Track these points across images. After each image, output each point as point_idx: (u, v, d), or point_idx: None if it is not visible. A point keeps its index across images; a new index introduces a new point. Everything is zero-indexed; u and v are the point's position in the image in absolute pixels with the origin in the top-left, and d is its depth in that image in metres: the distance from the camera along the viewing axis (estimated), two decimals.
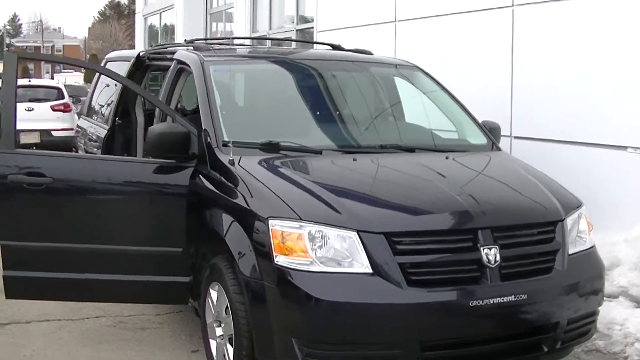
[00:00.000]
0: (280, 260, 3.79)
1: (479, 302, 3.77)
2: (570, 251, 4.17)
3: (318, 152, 4.61)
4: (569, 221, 4.24)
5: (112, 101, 6.56)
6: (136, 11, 24.06)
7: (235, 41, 8.66)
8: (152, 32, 21.49)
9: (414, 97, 5.54)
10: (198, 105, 4.84)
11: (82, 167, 4.88)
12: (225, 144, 4.55)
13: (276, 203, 3.95)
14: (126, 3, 76.61)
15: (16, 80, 4.81)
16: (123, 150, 6.40)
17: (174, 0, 17.51)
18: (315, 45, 7.02)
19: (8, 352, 4.97)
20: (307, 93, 5.29)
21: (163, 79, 6.96)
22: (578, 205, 4.40)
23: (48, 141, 13.97)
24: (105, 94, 7.07)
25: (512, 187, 4.42)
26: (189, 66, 5.22)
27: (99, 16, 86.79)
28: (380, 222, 3.84)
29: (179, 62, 5.49)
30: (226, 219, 4.23)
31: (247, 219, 4.02)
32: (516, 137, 7.02)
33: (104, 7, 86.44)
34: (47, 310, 5.69)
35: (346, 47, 6.12)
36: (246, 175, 4.25)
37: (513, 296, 3.84)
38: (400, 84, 5.60)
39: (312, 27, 11.02)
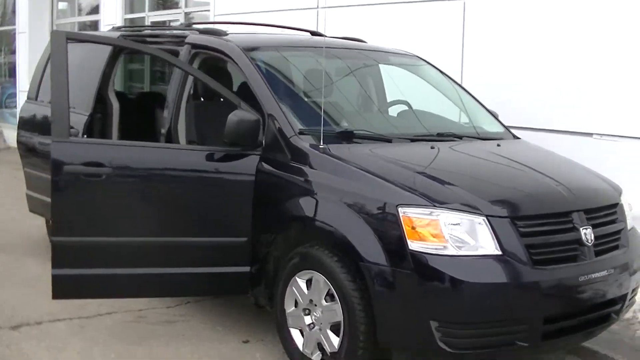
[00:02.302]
0: (414, 245, 3.87)
1: (585, 277, 4.09)
2: None
3: (389, 140, 4.71)
4: (623, 202, 4.67)
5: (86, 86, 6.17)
6: None
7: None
8: None
9: (427, 88, 5.74)
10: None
11: (142, 155, 4.62)
12: (302, 132, 4.53)
13: (402, 190, 4.01)
14: None
15: (67, 63, 4.47)
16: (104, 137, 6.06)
17: None
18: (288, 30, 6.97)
19: (51, 357, 4.62)
20: (352, 82, 5.34)
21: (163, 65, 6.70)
22: (621, 189, 4.84)
23: None
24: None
25: (580, 172, 4.76)
26: (224, 53, 5.08)
27: None
28: (506, 206, 4.03)
29: (196, 46, 5.32)
30: (328, 207, 4.22)
31: (367, 207, 4.05)
32: None
33: None
34: (49, 310, 5.32)
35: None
36: (349, 163, 4.27)
37: (605, 271, 4.20)
38: (421, 74, 5.79)
39: (208, 10, 10.80)
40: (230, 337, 4.97)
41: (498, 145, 5.00)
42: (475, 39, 7.47)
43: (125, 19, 12.65)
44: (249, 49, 5.05)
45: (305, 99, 5.05)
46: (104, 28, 12.32)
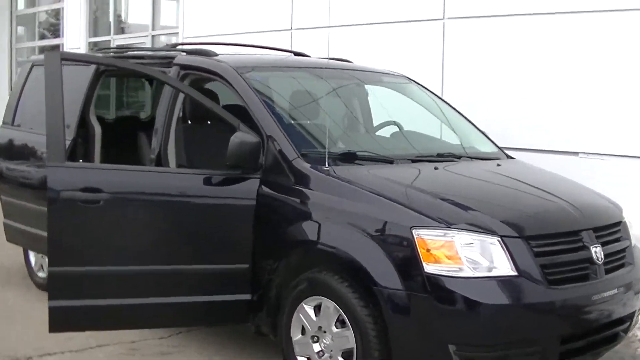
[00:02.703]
0: (430, 268, 3.79)
1: (598, 296, 4.06)
2: None
3: (390, 161, 4.64)
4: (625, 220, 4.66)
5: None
6: None
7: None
8: None
9: (416, 108, 5.69)
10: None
11: (141, 180, 4.48)
12: (304, 154, 4.44)
13: (415, 212, 3.94)
14: None
15: (61, 84, 4.32)
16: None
17: None
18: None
19: None
20: (346, 103, 5.26)
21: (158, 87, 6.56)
22: (621, 207, 4.83)
23: None
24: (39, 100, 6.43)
25: (583, 191, 4.74)
26: (217, 74, 4.97)
27: None
28: (519, 226, 3.98)
29: (186, 67, 5.20)
30: (337, 231, 4.12)
31: (379, 230, 3.96)
32: None
33: None
34: (36, 345, 5.11)
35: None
36: (357, 185, 4.18)
37: (615, 289, 4.18)
38: (409, 94, 5.74)
39: (176, 34, 10.69)
40: None
41: (498, 165, 4.97)
42: (455, 59, 7.48)
43: (90, 43, 12.46)
44: (243, 70, 4.95)
45: (303, 121, 4.96)
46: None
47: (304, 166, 4.37)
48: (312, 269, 4.25)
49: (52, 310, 4.27)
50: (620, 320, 4.30)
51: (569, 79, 6.61)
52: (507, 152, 5.62)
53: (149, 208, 4.44)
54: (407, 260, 3.85)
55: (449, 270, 3.79)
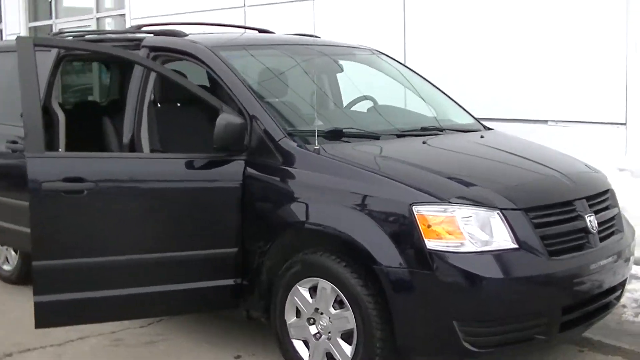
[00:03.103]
0: (432, 244, 3.74)
1: (594, 265, 4.07)
2: None
3: (377, 137, 4.57)
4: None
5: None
6: None
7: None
8: None
9: (389, 82, 5.63)
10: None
11: (125, 167, 4.33)
12: (290, 134, 4.34)
13: (413, 189, 3.87)
14: None
15: (36, 71, 4.13)
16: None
17: None
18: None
19: None
20: (322, 79, 5.17)
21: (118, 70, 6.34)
22: (605, 175, 4.85)
23: None
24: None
25: (570, 160, 4.73)
26: (191, 55, 4.82)
27: None
28: (517, 198, 3.94)
29: (156, 49, 5.03)
30: (332, 210, 4.03)
31: (377, 208, 3.89)
32: None
33: None
34: (13, 340, 4.94)
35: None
36: (349, 163, 4.10)
37: (610, 257, 4.19)
38: (380, 68, 5.66)
39: (123, 15, 10.39)
40: (220, 354, 4.71)
41: (482, 137, 4.94)
42: (418, 30, 7.44)
43: (30, 28, 12.04)
44: (218, 49, 4.80)
45: (284, 100, 4.84)
46: (8, 37, 11.69)
47: (292, 145, 4.28)
48: (305, 250, 4.16)
49: (38, 306, 4.10)
50: (613, 289, 4.33)
51: (537, 48, 6.65)
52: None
53: (134, 196, 4.30)
54: (408, 237, 3.79)
55: (451, 246, 3.74)
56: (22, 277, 6.17)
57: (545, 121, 6.62)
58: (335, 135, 4.47)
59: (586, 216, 4.12)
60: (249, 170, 4.35)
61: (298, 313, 4.22)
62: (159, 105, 5.08)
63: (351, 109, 5.56)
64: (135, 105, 4.95)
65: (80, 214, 4.15)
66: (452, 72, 7.08)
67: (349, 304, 3.96)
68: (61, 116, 5.72)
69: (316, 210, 4.11)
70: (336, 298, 4.03)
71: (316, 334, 4.15)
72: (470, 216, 3.81)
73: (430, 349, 3.90)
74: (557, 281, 3.90)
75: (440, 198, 3.83)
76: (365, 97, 5.62)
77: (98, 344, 4.90)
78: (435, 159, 4.38)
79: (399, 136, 4.70)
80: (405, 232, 3.80)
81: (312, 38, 5.78)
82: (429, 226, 3.77)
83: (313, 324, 4.17)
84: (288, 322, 4.25)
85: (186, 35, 5.10)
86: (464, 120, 5.41)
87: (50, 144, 5.67)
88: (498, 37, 6.88)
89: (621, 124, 6.31)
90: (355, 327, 3.95)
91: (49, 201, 4.07)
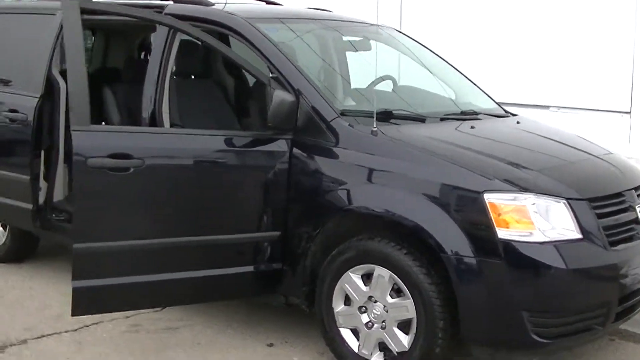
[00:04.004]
0: (502, 233, 3.63)
1: None
2: None
3: (422, 120, 4.43)
4: None
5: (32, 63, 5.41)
6: None
7: None
8: None
9: (410, 62, 5.48)
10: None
11: (172, 144, 4.08)
12: (344, 113, 4.16)
13: (485, 177, 3.75)
14: None
15: (82, 40, 3.82)
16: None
17: None
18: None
19: None
20: (357, 57, 4.97)
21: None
22: None
23: None
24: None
25: (608, 150, 4.68)
26: (226, 26, 4.55)
27: None
28: (582, 188, 3.88)
29: (182, 18, 4.70)
30: (395, 195, 3.87)
31: (445, 195, 3.76)
32: None
33: None
34: (25, 326, 4.65)
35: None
36: (412, 147, 3.95)
37: None
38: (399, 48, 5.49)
39: None
40: (249, 341, 4.51)
41: (518, 122, 4.85)
42: (417, 10, 7.30)
43: None
44: (255, 21, 4.55)
45: (328, 77, 4.64)
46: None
47: (345, 126, 4.09)
48: (359, 236, 4.00)
49: (76, 291, 3.83)
50: None
51: (542, 34, 6.60)
52: None
53: (181, 174, 4.06)
54: (479, 226, 3.67)
55: (521, 235, 3.64)
56: (12, 255, 5.82)
57: (547, 107, 6.59)
58: (386, 116, 4.30)
59: (637, 207, 4.10)
60: (296, 150, 4.15)
61: (347, 301, 4.06)
62: (185, 77, 4.81)
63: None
64: (157, 76, 4.66)
65: (126, 193, 3.89)
66: (454, 57, 6.96)
67: (409, 293, 3.82)
68: (62, 85, 5.40)
69: (376, 195, 3.94)
70: (393, 286, 3.90)
71: (368, 322, 4.01)
72: (539, 205, 3.71)
73: (496, 339, 3.81)
74: (618, 272, 3.85)
75: (512, 187, 3.72)
76: (387, 77, 5.46)
77: (115, 330, 4.64)
78: (494, 145, 4.24)
79: (442, 120, 4.57)
80: (476, 221, 3.69)
81: (330, 13, 5.58)
82: (499, 215, 3.66)
83: (364, 312, 4.02)
84: (336, 309, 4.09)
85: (212, 4, 4.82)
86: (487, 104, 5.31)
87: (52, 115, 5.39)
88: (502, 22, 6.81)
89: (626, 112, 6.33)
90: (415, 317, 3.82)
91: (94, 178, 3.80)
